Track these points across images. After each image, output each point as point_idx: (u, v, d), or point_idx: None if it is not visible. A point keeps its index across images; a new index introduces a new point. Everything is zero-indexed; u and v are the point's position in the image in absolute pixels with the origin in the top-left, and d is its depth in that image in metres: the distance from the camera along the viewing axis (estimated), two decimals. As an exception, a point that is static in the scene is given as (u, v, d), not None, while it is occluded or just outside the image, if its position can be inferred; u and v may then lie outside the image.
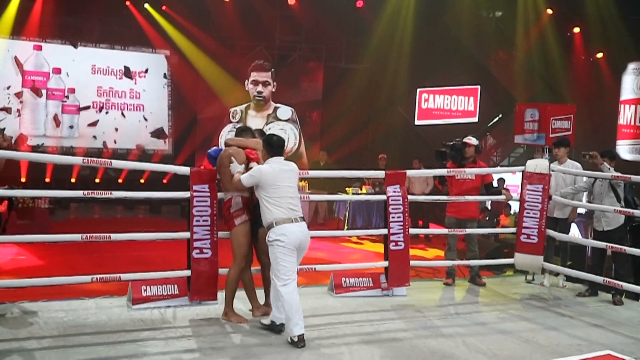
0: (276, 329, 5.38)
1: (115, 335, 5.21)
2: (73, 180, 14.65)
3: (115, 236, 5.91)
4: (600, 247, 7.21)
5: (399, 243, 6.72)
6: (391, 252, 6.75)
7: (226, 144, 5.76)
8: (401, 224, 6.69)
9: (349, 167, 9.29)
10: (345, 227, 12.46)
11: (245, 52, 16.32)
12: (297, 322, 5.09)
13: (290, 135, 16.53)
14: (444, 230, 7.82)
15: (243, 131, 5.88)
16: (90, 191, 5.81)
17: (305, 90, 16.95)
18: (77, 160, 6.12)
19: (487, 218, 12.54)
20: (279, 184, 5.19)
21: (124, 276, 5.84)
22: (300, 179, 13.07)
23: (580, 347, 5.53)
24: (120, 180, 14.98)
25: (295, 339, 5.08)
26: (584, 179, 7.60)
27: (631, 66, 13.47)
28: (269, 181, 5.17)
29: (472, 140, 7.87)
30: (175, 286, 6.13)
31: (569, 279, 7.99)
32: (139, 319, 5.66)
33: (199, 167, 5.94)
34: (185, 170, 5.99)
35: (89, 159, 5.75)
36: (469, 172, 7.67)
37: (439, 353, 5.15)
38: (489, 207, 12.89)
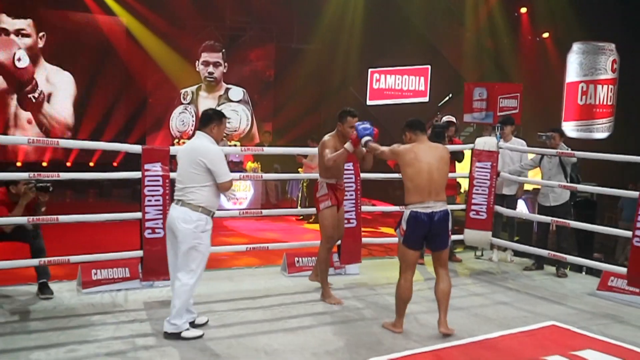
0: None
1: (64, 320, 5.13)
2: (19, 164, 14.27)
3: (63, 218, 5.81)
4: (547, 222, 7.42)
5: (351, 221, 6.73)
6: (344, 230, 6.77)
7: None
8: (353, 201, 6.72)
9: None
10: (299, 207, 12.48)
11: (196, 33, 16.06)
12: None
13: (242, 116, 16.43)
14: (396, 208, 7.79)
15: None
16: (37, 173, 5.65)
17: (257, 71, 16.84)
18: (23, 139, 5.98)
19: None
20: None
21: (73, 258, 5.74)
22: (253, 160, 13.22)
23: (527, 319, 5.71)
24: (68, 164, 14.67)
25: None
26: (530, 156, 7.78)
27: (576, 46, 13.74)
28: None
29: (453, 119, 8.03)
30: (127, 269, 6.07)
31: (516, 253, 8.22)
32: (89, 303, 5.59)
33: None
34: (137, 148, 5.92)
35: (35, 138, 5.63)
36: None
37: (391, 330, 5.22)
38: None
